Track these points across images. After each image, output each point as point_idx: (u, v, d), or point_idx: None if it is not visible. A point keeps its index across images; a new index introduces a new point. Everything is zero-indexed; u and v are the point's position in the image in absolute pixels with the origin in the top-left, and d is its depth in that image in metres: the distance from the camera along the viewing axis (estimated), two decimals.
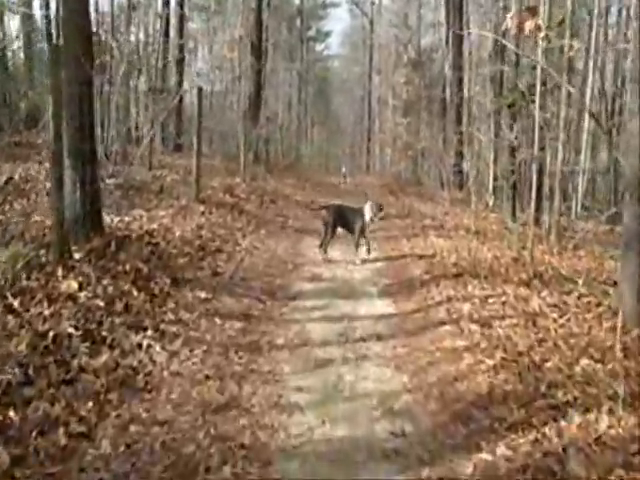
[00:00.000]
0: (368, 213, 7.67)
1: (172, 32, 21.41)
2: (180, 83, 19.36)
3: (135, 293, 4.41)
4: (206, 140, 25.67)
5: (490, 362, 4.13)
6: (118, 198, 7.75)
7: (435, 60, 20.14)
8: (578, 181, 15.10)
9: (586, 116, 15.15)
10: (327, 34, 49.33)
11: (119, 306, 4.14)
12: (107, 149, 9.24)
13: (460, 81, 17.24)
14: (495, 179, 14.30)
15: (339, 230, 7.58)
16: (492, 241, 9.11)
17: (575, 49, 7.30)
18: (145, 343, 3.85)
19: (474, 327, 4.83)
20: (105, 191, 7.91)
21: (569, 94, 9.62)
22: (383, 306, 5.62)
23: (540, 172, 11.98)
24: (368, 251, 7.84)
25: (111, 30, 11.98)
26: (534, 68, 10.54)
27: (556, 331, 4.78)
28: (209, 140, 25.28)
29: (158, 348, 3.85)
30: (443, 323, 4.99)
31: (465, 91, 16.95)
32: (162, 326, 4.19)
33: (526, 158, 12.11)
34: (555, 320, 5.03)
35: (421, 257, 7.57)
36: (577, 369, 3.98)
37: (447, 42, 17.39)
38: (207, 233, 6.96)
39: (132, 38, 19.71)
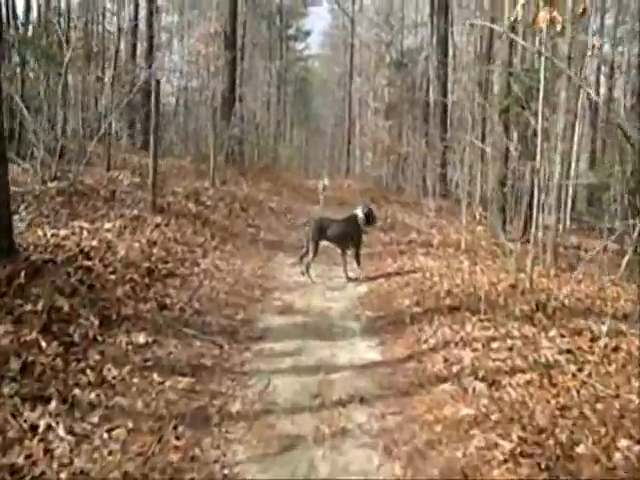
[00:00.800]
0: (362, 221, 6.78)
1: (142, 24, 20.15)
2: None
3: (43, 344, 3.33)
4: (180, 139, 24.57)
5: (507, 445, 3.16)
6: (59, 206, 6.61)
7: (418, 62, 19.29)
8: (568, 193, 14.38)
9: (576, 125, 14.46)
10: (307, 33, 48.27)
11: (14, 366, 3.06)
12: (55, 146, 8.05)
13: (445, 84, 16.41)
14: (482, 188, 13.51)
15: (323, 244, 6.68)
16: (484, 260, 8.22)
17: (596, 46, 6.42)
18: (43, 423, 2.78)
19: (480, 386, 3.87)
20: (45, 196, 6.79)
21: (568, 100, 8.80)
22: (367, 350, 4.62)
23: (532, 183, 11.25)
24: (345, 272, 6.88)
25: (66, 18, 10.75)
26: (528, 71, 9.74)
27: (578, 392, 3.85)
28: (183, 139, 24.12)
29: (61, 430, 2.78)
30: (442, 379, 4.00)
31: (450, 95, 16.11)
32: (75, 392, 3.12)
33: (519, 167, 11.32)
34: (574, 376, 4.11)
35: (409, 283, 6.62)
36: (617, 456, 3.07)
37: (431, 42, 16.53)
38: (160, 251, 5.87)
39: (107, 27, 18.53)
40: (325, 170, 41.77)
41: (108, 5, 20.50)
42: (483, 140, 13.85)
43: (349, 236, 6.80)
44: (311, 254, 6.56)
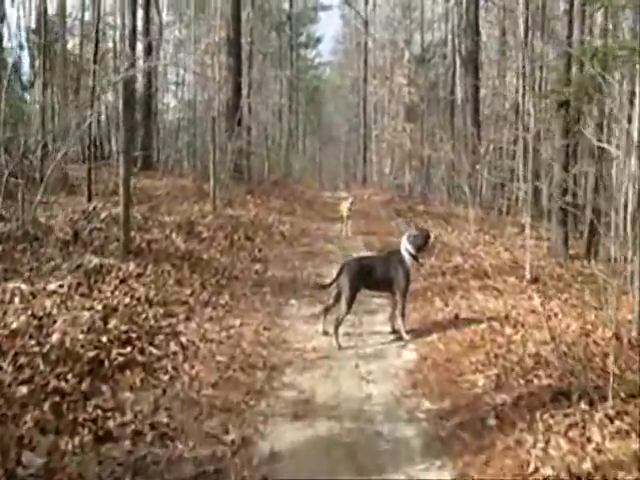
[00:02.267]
0: (409, 256, 4.93)
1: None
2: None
3: None
4: (186, 156, 22.97)
5: None
6: None
7: (442, 56, 17.38)
8: None
9: None
10: (318, 40, 46.63)
11: None
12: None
13: (476, 75, 14.48)
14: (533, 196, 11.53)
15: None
16: (561, 293, 6.28)
17: None
18: None
19: None
20: None
21: None
22: None
23: (596, 187, 9.26)
24: (392, 324, 5.06)
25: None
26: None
27: None
28: (190, 156, 22.52)
29: None
30: None
31: (483, 90, 14.19)
32: None
33: (583, 171, 9.34)
34: None
35: (474, 341, 4.72)
36: None
37: (458, 32, 14.64)
38: (119, 323, 4.06)
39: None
40: (341, 179, 40.09)
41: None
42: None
43: (397, 278, 4.94)
44: (344, 309, 4.72)
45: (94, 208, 7.43)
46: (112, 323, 4.00)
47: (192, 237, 7.27)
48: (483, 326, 5.02)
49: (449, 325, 5.19)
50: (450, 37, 15.82)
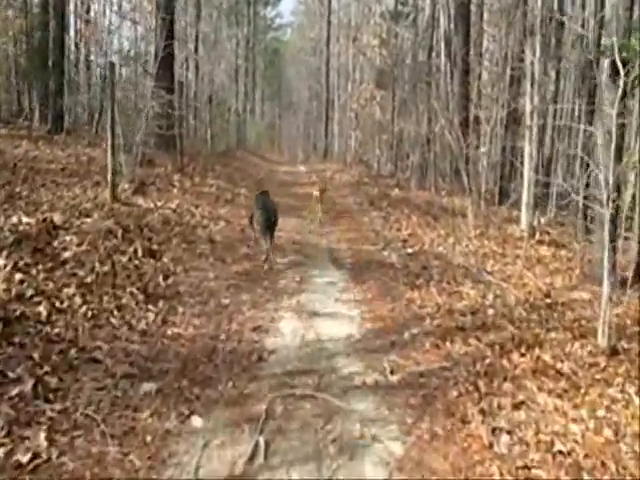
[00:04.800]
0: None
1: None
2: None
3: None
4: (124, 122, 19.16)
5: None
6: None
7: (421, 10, 14.28)
8: None
9: None
10: None
11: None
12: None
13: (467, 32, 11.60)
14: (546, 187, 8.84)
15: None
16: None
17: None
18: None
19: None
20: None
21: None
22: None
23: None
24: None
25: None
26: None
27: None
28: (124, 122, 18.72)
29: None
30: None
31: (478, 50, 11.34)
32: None
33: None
34: None
35: None
36: None
37: None
38: None
39: None
40: (301, 149, 36.68)
41: None
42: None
43: None
44: None
45: None
46: None
47: (43, 259, 4.16)
48: None
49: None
50: None
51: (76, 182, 7.39)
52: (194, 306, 4.39)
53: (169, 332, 3.84)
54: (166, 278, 4.75)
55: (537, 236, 7.78)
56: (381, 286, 5.32)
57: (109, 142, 6.27)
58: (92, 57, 16.43)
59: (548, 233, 8.11)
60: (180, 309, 4.28)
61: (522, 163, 8.64)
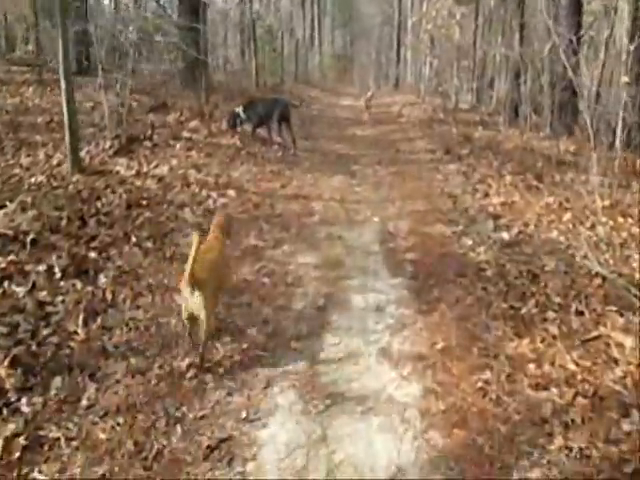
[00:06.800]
0: None
1: None
2: None
3: None
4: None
5: None
6: None
7: None
8: None
9: None
10: None
11: None
12: None
13: None
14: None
15: None
16: None
17: None
18: None
19: None
20: None
21: None
22: None
23: None
24: None
25: None
26: None
27: None
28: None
29: None
30: None
31: None
32: None
33: None
34: None
35: None
36: None
37: None
38: None
39: None
40: (372, 79, 33.02)
41: None
42: None
43: None
44: None
45: None
46: None
47: None
48: None
49: None
50: None
51: (56, 140, 5.55)
52: None
53: None
54: (87, 323, 2.77)
55: None
56: (461, 320, 3.12)
57: (62, 87, 4.27)
58: None
59: None
60: None
61: None
